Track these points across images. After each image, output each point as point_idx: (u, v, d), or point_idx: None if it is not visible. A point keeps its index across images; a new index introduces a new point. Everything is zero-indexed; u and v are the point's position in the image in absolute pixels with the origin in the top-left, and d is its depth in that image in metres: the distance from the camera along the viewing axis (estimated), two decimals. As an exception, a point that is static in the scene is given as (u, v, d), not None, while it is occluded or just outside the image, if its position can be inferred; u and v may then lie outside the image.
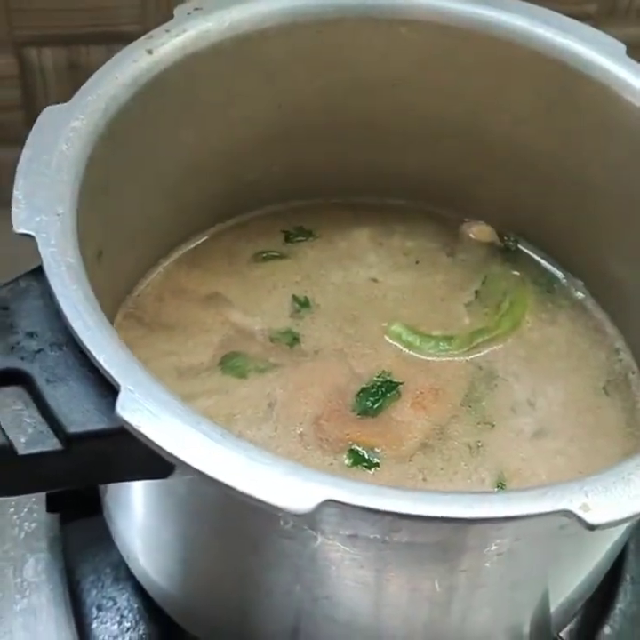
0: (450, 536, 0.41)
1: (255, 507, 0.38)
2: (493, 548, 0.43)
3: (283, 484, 0.38)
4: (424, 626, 0.47)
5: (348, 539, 0.41)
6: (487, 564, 0.44)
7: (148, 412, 0.39)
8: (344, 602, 0.46)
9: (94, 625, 0.58)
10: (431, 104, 0.61)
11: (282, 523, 0.42)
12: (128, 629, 0.57)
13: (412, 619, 0.47)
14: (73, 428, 0.40)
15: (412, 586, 0.45)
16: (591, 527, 0.38)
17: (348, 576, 0.44)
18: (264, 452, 0.39)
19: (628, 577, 0.62)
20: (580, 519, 0.38)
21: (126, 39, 0.54)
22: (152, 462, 0.41)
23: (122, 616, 0.58)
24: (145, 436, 0.38)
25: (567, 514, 0.38)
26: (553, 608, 0.52)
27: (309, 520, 0.40)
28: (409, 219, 0.67)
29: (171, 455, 0.38)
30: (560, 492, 0.39)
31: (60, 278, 0.43)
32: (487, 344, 0.61)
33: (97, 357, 0.40)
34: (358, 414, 0.56)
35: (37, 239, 0.44)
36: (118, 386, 0.39)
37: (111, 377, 0.40)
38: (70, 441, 0.40)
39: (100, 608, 0.58)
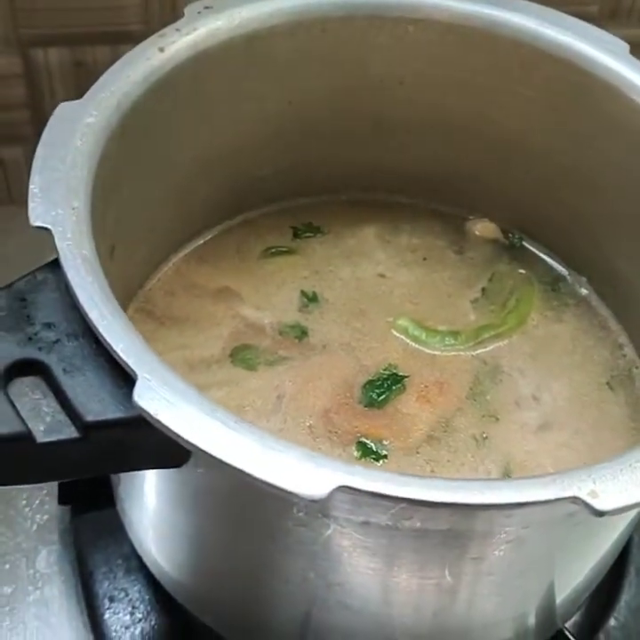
0: (460, 523, 0.42)
1: (269, 494, 0.39)
2: (502, 535, 0.43)
3: (297, 471, 0.38)
4: (433, 613, 0.48)
5: (360, 526, 0.42)
6: (496, 552, 0.45)
7: (165, 401, 0.40)
8: (356, 588, 0.46)
9: (106, 616, 0.58)
10: (437, 102, 0.62)
11: (295, 510, 0.42)
12: (140, 620, 0.58)
13: (422, 605, 0.47)
14: (90, 417, 0.41)
15: (423, 573, 0.45)
16: (599, 513, 0.39)
17: (360, 563, 0.45)
18: (278, 439, 0.40)
19: (632, 570, 0.63)
20: (588, 505, 0.39)
21: (131, 39, 0.55)
22: (167, 450, 0.41)
23: (134, 607, 0.59)
24: (162, 424, 0.39)
25: (575, 500, 0.39)
26: (559, 598, 0.52)
27: (323, 506, 0.41)
28: (416, 216, 0.68)
29: (188, 442, 0.39)
30: (569, 479, 0.40)
31: (77, 270, 0.43)
32: (492, 340, 0.61)
33: (114, 347, 0.41)
34: (365, 406, 0.57)
35: (54, 232, 0.44)
36: (135, 375, 0.40)
37: (128, 366, 0.40)
38: (87, 429, 0.41)
39: (111, 599, 0.59)
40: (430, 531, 0.42)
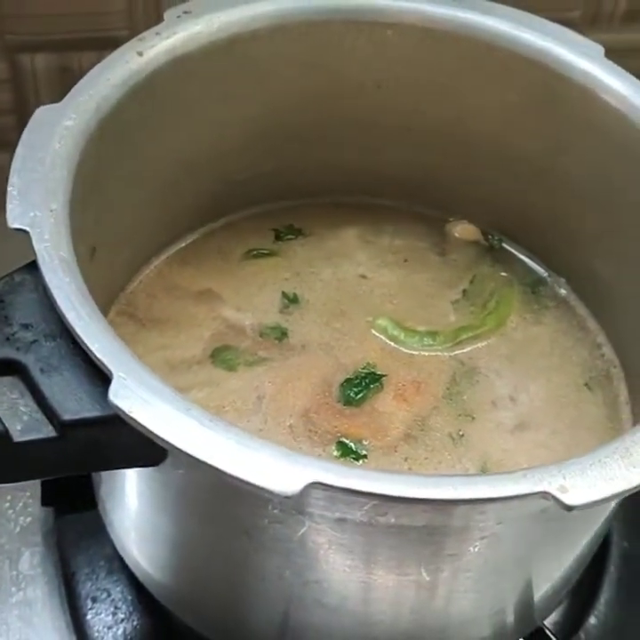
0: (434, 519, 0.42)
1: (245, 492, 0.39)
2: (477, 531, 0.44)
3: (271, 467, 0.39)
4: (410, 610, 0.48)
5: (335, 523, 0.43)
6: (471, 549, 0.45)
7: (140, 399, 0.40)
8: (333, 586, 0.47)
9: (89, 616, 0.58)
10: (416, 105, 0.63)
11: (271, 507, 0.43)
12: (122, 620, 0.59)
13: (399, 603, 0.48)
14: (67, 416, 0.42)
15: (400, 570, 0.46)
16: (568, 508, 0.39)
17: (336, 560, 0.45)
18: (253, 436, 0.40)
19: (612, 568, 0.63)
20: (557, 500, 0.39)
21: (117, 44, 0.55)
22: (144, 449, 0.42)
23: (116, 607, 0.59)
24: (137, 422, 0.40)
25: (545, 495, 0.39)
26: (537, 595, 0.53)
27: (297, 502, 0.41)
28: (398, 219, 0.68)
29: (162, 440, 0.39)
30: (539, 474, 0.40)
31: (54, 272, 0.44)
32: (471, 341, 0.62)
33: (90, 346, 0.41)
34: (343, 405, 0.57)
35: (31, 234, 0.45)
36: (111, 373, 0.40)
37: (104, 365, 0.41)
38: (64, 428, 0.42)
39: (94, 600, 0.59)
40: (405, 527, 0.43)
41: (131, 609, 0.59)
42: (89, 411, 0.42)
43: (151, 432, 0.39)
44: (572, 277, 0.66)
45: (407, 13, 0.59)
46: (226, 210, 0.66)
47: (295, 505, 0.42)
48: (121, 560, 0.58)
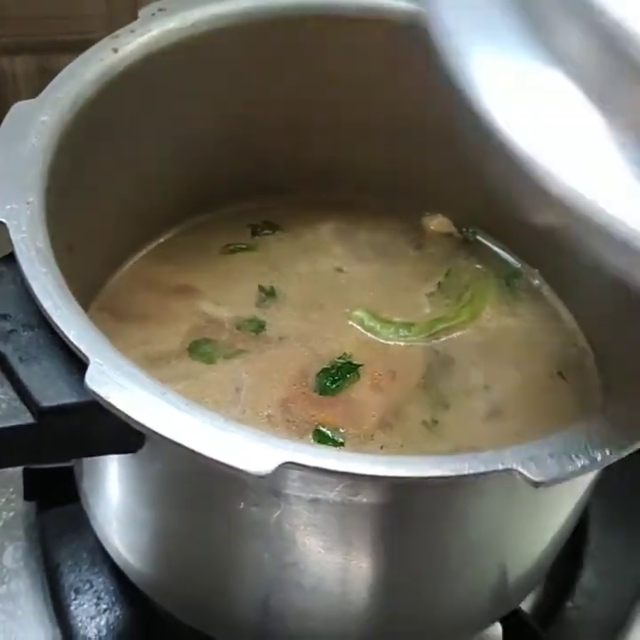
0: (405, 498, 0.43)
1: (222, 476, 0.40)
2: (449, 511, 0.45)
3: (245, 448, 0.40)
4: (386, 591, 0.49)
5: (310, 503, 0.43)
6: (444, 528, 0.46)
7: (116, 384, 0.41)
8: (309, 567, 0.48)
9: (72, 607, 0.59)
10: (388, 101, 0.64)
11: (247, 490, 0.44)
12: (105, 611, 0.59)
13: (374, 583, 0.49)
14: (45, 403, 0.42)
15: (374, 550, 0.47)
16: (536, 484, 0.40)
17: (311, 542, 0.46)
18: (228, 419, 0.41)
19: (589, 553, 0.64)
20: (524, 477, 0.40)
21: (95, 46, 0.56)
22: (122, 435, 0.43)
23: (99, 598, 0.60)
24: (114, 407, 0.40)
25: (512, 472, 0.40)
26: (511, 577, 0.54)
27: (271, 482, 0.42)
28: (374, 214, 0.69)
29: (139, 424, 0.40)
30: (506, 452, 0.41)
31: (31, 262, 0.45)
32: (446, 332, 0.63)
33: (66, 333, 0.42)
34: (320, 394, 0.58)
35: (9, 226, 0.46)
36: (87, 360, 0.41)
37: (80, 352, 0.42)
38: (43, 415, 0.42)
39: (77, 591, 0.60)
40: (377, 506, 0.44)
41: (113, 599, 0.60)
42: (67, 397, 0.43)
43: (127, 416, 0.40)
44: (544, 268, 0.67)
45: (381, 10, 0.60)
46: (202, 206, 0.67)
47: (269, 485, 0.42)
48: (103, 552, 0.59)
